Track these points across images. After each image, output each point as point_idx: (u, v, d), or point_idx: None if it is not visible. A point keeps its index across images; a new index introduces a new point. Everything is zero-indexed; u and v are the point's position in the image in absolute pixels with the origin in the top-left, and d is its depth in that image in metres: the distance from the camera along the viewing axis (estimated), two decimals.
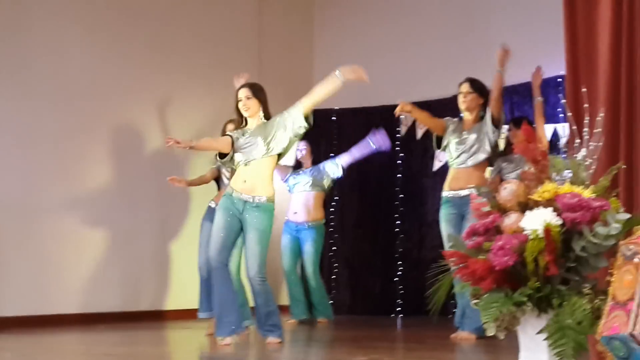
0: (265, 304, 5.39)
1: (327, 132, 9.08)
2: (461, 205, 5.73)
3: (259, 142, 5.36)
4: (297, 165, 7.96)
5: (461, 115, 6.15)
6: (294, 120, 5.36)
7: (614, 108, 3.36)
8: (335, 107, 9.06)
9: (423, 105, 8.48)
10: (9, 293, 6.88)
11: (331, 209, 8.84)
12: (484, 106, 5.90)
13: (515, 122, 6.31)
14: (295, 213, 7.69)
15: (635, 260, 2.33)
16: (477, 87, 5.88)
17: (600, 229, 2.48)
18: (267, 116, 5.46)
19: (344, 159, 7.69)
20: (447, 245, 5.68)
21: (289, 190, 7.81)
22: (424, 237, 8.38)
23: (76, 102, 7.44)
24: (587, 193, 2.59)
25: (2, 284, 6.86)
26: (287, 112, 5.40)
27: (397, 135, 8.65)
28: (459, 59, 8.24)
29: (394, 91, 8.74)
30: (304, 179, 7.73)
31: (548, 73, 7.36)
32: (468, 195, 5.56)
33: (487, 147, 5.81)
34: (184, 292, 7.88)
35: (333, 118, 9.07)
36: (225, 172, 6.36)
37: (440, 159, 8.15)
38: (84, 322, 7.13)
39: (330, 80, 5.31)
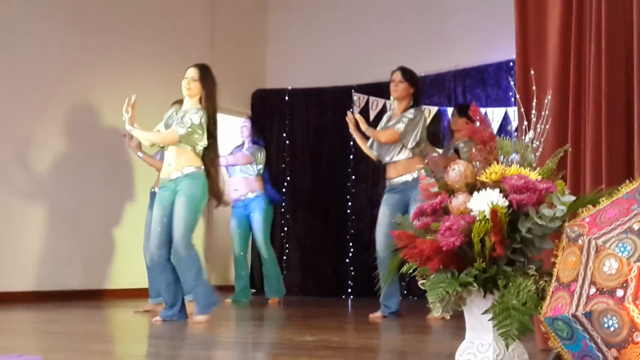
0: (188, 270, 5.24)
1: (280, 111, 9.05)
2: (404, 190, 5.80)
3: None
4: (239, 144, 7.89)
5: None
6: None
7: (562, 91, 3.39)
8: (288, 87, 9.02)
9: (376, 87, 8.56)
10: None
11: (283, 189, 8.83)
12: (414, 96, 5.92)
13: (459, 109, 6.35)
14: (236, 190, 7.64)
15: (579, 242, 2.35)
16: (409, 76, 5.90)
17: (545, 211, 2.49)
18: (205, 104, 5.42)
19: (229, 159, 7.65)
20: (380, 226, 5.85)
21: (229, 175, 7.72)
22: (375, 219, 8.38)
23: (25, 85, 7.32)
24: (533, 175, 2.60)
25: None
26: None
27: None
28: (412, 40, 8.26)
29: (346, 72, 8.76)
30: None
31: (501, 57, 7.43)
32: (410, 180, 5.64)
33: (417, 136, 5.79)
34: (128, 271, 7.86)
35: (286, 98, 9.03)
36: None
37: None
38: (31, 300, 7.05)
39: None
